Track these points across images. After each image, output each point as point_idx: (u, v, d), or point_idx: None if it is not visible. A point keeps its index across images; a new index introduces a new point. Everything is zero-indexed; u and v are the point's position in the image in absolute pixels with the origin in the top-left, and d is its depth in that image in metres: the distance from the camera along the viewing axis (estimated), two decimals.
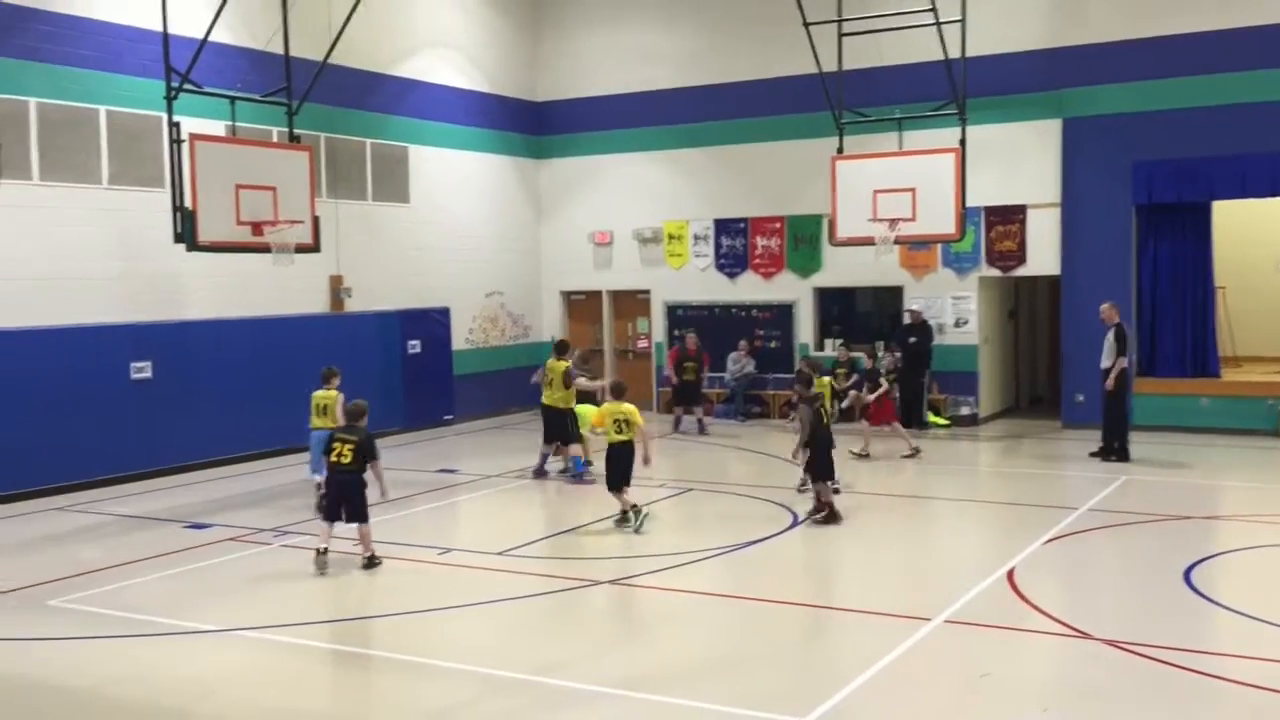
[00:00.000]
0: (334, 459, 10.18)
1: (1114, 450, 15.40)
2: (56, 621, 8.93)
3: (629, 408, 11.78)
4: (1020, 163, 18.61)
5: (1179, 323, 18.13)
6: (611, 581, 9.88)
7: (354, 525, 10.24)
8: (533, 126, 22.66)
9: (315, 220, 14.58)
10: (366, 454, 10.14)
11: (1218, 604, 8.93)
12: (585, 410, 14.51)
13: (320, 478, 11.74)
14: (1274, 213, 19.14)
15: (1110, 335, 15.38)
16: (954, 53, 15.92)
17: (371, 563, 10.23)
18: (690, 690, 7.19)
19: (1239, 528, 11.63)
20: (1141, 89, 17.71)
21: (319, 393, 13.11)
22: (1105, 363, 15.35)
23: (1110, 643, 7.92)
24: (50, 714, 7.18)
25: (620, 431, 11.69)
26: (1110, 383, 15.24)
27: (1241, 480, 14.42)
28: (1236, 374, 18.52)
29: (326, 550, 10.16)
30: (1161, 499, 13.01)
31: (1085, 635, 8.12)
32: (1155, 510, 12.21)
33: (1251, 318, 19.86)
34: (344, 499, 10.16)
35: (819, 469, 11.72)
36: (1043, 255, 18.65)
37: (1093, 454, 15.56)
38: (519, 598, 9.48)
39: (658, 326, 21.99)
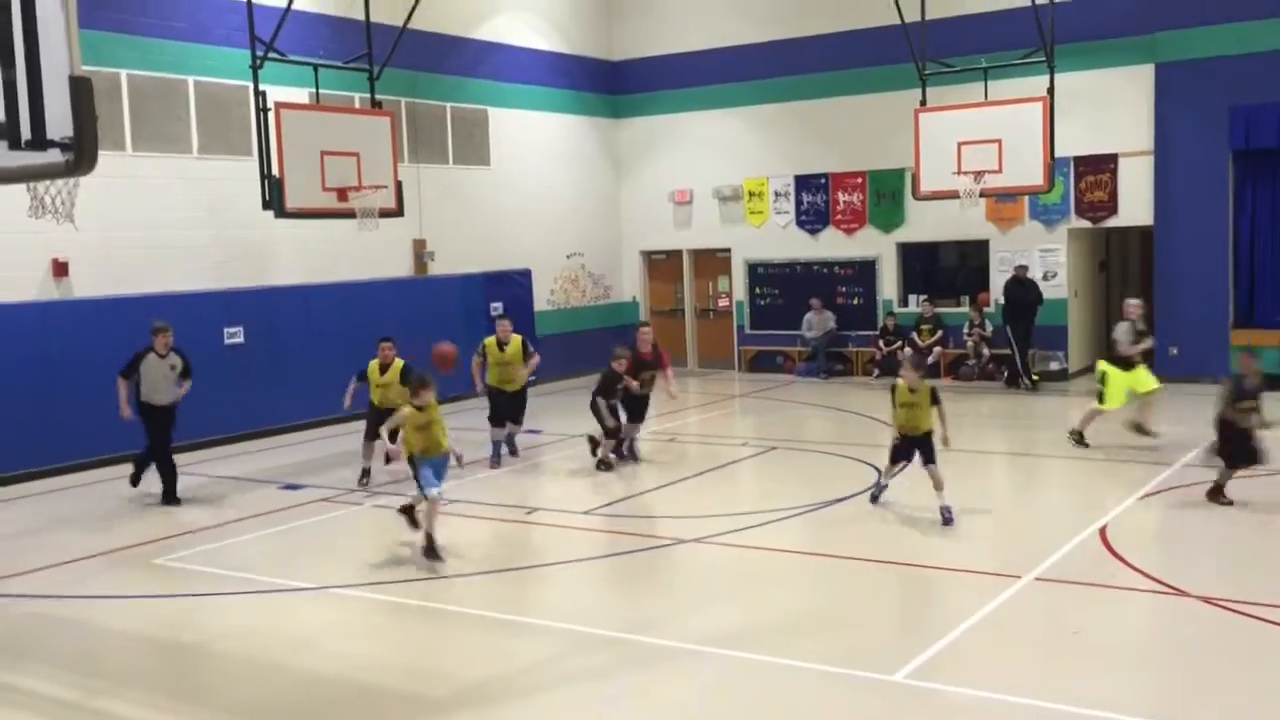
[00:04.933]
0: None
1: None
2: (163, 579, 9.26)
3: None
4: (1111, 110, 18.09)
5: (1279, 271, 17.55)
6: (697, 540, 9.93)
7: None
8: (610, 86, 22.60)
9: (398, 185, 14.74)
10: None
11: None
12: None
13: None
14: None
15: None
16: None
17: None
18: (779, 648, 7.22)
19: None
20: (1238, 31, 17.06)
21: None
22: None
23: (1207, 600, 7.77)
24: (160, 668, 7.45)
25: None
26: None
27: None
28: None
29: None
30: None
31: (1181, 593, 7.97)
32: (1254, 466, 11.86)
33: None
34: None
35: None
36: (1135, 205, 18.15)
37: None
38: (605, 556, 9.58)
39: (739, 285, 21.89)
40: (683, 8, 21.89)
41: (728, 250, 21.93)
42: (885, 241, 20.31)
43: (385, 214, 14.59)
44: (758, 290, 21.65)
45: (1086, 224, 18.64)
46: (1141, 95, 17.85)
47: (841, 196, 20.62)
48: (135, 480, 12.35)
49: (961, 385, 18.67)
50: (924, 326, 19.70)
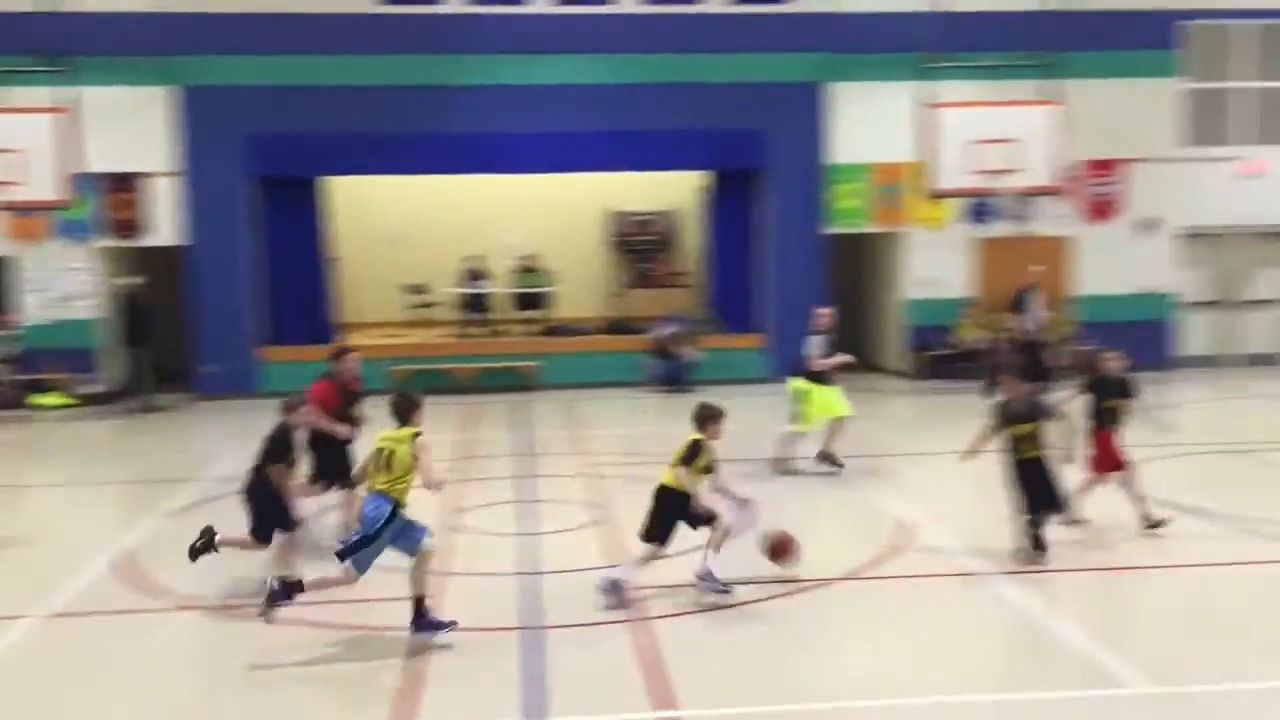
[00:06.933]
0: None
1: None
2: None
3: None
4: (138, 129, 17.85)
5: (300, 292, 18.80)
6: None
7: None
8: None
9: None
10: None
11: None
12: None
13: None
14: (383, 190, 20.68)
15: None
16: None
17: None
18: None
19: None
20: (258, 63, 17.95)
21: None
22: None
23: (187, 607, 7.98)
24: None
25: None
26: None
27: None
28: (356, 339, 19.68)
29: None
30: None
31: (189, 606, 8.10)
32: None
33: (368, 287, 21.15)
34: None
35: None
36: (167, 225, 18.21)
37: None
38: None
39: None
40: None
41: None
42: None
43: None
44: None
45: (119, 243, 18.23)
46: (165, 116, 17.91)
47: None
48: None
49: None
50: None
